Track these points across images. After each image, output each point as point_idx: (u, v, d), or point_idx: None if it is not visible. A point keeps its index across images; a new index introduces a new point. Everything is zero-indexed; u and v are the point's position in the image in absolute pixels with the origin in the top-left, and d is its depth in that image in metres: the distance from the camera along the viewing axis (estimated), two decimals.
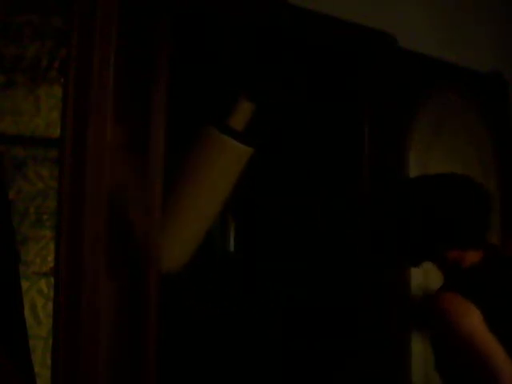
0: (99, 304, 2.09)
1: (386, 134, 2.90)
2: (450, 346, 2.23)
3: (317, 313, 2.97)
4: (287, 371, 3.03)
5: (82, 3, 2.11)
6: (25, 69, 2.11)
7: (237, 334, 3.16)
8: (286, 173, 3.15)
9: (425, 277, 2.89)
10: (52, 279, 2.08)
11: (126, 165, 2.18)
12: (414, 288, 2.91)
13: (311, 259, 3.02)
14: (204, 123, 2.70)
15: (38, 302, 2.08)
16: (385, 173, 2.87)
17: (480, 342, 2.15)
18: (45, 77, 2.12)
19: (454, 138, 3.19)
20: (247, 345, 3.14)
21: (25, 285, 2.02)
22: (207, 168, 2.62)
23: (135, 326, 2.18)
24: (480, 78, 3.31)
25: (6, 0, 2.10)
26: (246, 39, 2.76)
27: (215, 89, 2.93)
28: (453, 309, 2.20)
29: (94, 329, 2.08)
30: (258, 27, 2.66)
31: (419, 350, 2.87)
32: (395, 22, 2.93)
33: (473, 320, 2.17)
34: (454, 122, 3.21)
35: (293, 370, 3.01)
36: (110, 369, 2.12)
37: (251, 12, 2.59)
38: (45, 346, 2.07)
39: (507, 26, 3.51)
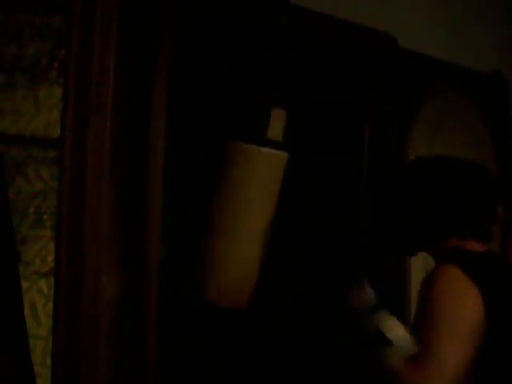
0: (99, 304, 2.09)
1: (386, 134, 2.90)
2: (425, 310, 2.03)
3: (317, 304, 2.96)
4: (286, 370, 3.03)
5: (82, 3, 2.11)
6: (25, 69, 2.11)
7: (236, 334, 3.16)
8: (285, 173, 3.15)
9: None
10: (52, 279, 2.08)
11: (125, 165, 2.18)
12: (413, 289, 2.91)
13: (311, 257, 3.02)
14: (224, 138, 2.55)
15: (38, 302, 2.08)
16: (385, 173, 2.87)
17: (450, 321, 1.96)
18: (45, 77, 2.12)
19: (453, 138, 3.19)
20: (246, 346, 3.13)
21: (25, 285, 2.02)
22: (244, 184, 2.46)
23: (135, 326, 2.18)
24: (480, 77, 3.31)
25: (6, 0, 2.10)
26: (247, 39, 2.76)
27: (215, 92, 2.93)
28: (449, 278, 2.01)
29: (94, 329, 2.08)
30: (258, 27, 2.66)
31: None
32: (395, 22, 2.93)
33: (465, 297, 1.99)
34: (453, 121, 3.21)
35: (291, 363, 3.01)
36: (110, 369, 2.12)
37: (251, 12, 2.58)
38: (45, 346, 2.07)
39: (507, 26, 3.51)
